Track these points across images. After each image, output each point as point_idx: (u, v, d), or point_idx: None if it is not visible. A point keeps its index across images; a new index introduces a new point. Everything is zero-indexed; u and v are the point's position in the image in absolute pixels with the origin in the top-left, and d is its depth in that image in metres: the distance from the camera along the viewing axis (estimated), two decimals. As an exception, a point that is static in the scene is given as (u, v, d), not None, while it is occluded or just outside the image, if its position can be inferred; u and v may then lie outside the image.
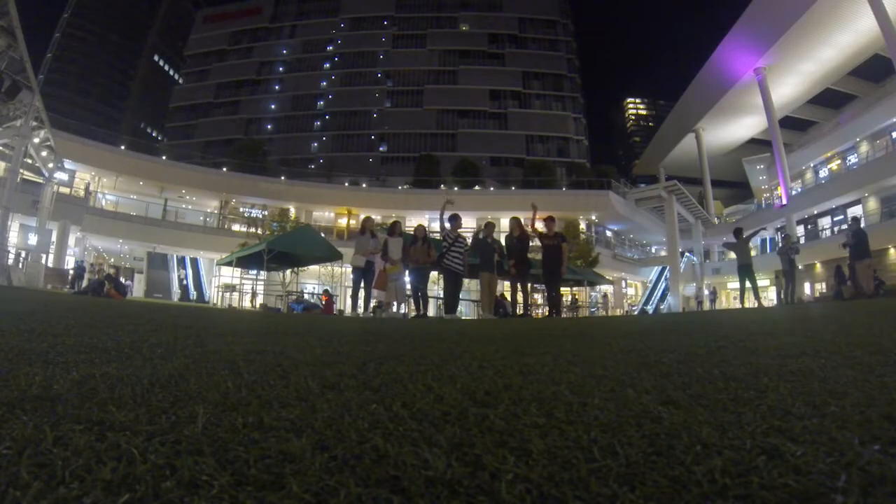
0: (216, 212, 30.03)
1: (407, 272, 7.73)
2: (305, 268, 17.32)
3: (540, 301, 16.68)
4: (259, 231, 24.47)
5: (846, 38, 25.65)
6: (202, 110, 56.28)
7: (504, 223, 8.20)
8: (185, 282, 27.32)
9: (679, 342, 1.88)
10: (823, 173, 31.04)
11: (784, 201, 28.87)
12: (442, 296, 8.51)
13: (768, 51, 27.60)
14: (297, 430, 0.61)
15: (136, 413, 0.66)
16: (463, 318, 9.63)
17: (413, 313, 7.62)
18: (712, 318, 4.99)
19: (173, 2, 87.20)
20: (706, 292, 27.15)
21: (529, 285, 8.31)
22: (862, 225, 10.22)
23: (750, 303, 10.12)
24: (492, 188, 34.95)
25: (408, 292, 8.32)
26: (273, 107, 55.81)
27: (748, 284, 9.32)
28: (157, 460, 0.48)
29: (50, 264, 16.74)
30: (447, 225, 7.43)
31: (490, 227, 7.74)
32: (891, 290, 12.47)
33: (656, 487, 0.43)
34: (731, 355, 1.36)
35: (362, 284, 7.44)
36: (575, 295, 21.90)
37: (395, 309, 7.71)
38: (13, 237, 16.81)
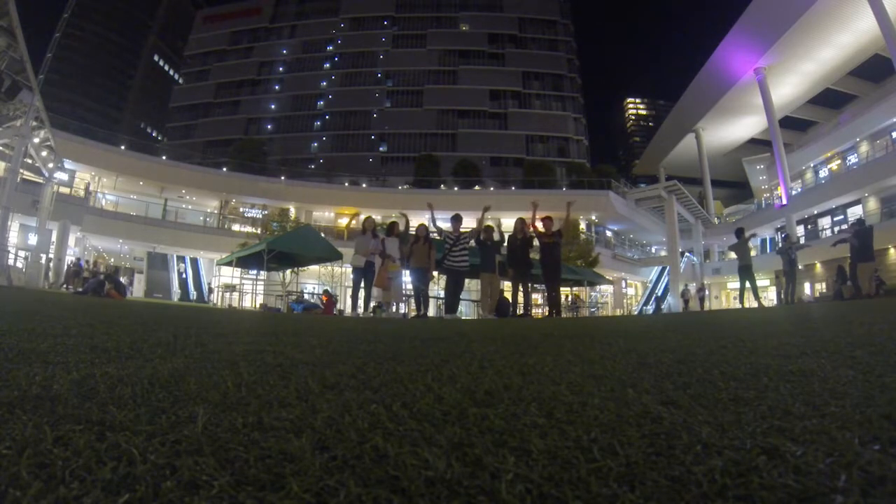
0: (216, 212, 30.05)
1: (407, 272, 7.72)
2: (305, 268, 17.32)
3: (540, 301, 16.66)
4: (259, 231, 24.48)
5: (846, 38, 25.65)
6: (202, 110, 56.29)
7: (505, 223, 8.20)
8: (184, 275, 27.37)
9: (679, 342, 1.88)
10: (823, 173, 31.03)
11: (784, 201, 28.87)
12: (442, 296, 8.49)
13: (768, 51, 27.60)
14: (297, 430, 0.61)
15: (136, 413, 0.66)
16: (463, 318, 9.62)
17: (413, 313, 7.62)
18: (712, 318, 4.99)
19: (173, 2, 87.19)
20: (693, 290, 24.97)
21: (530, 285, 8.30)
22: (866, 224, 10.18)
23: (750, 303, 10.13)
24: (492, 188, 34.95)
25: (408, 292, 8.29)
26: (273, 107, 55.81)
27: (748, 285, 9.33)
28: (157, 460, 0.48)
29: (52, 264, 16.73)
30: (445, 226, 7.44)
31: (489, 230, 7.71)
32: (891, 290, 12.48)
33: (656, 487, 0.43)
34: (731, 355, 1.36)
35: (362, 284, 7.44)
36: (575, 295, 21.83)
37: (394, 309, 7.70)
38: (13, 237, 16.81)
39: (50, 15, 79.04)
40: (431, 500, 0.42)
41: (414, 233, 7.66)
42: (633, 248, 37.95)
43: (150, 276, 26.53)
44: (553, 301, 7.52)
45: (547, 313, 7.53)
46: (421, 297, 7.45)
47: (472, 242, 7.56)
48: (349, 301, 7.90)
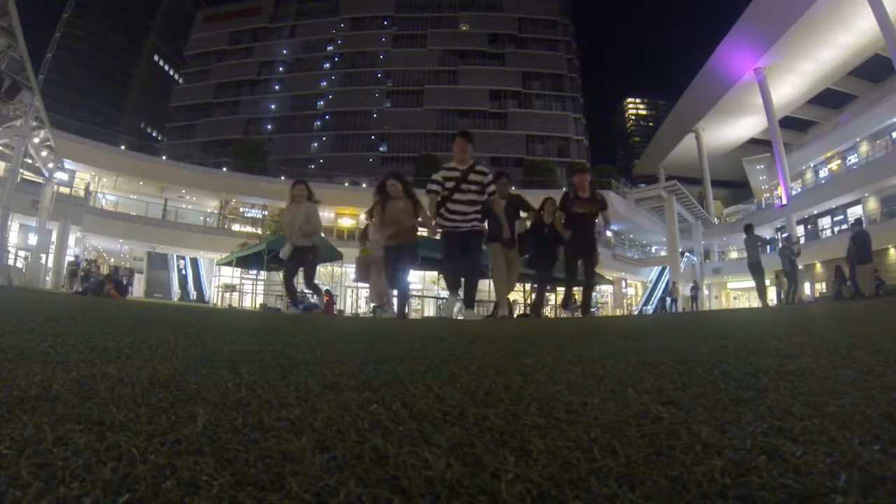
0: (216, 212, 30.05)
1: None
2: (305, 268, 17.30)
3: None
4: (259, 231, 24.51)
5: (846, 38, 25.65)
6: (202, 110, 56.35)
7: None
8: (183, 272, 27.41)
9: (679, 342, 1.88)
10: (823, 173, 31.04)
11: (784, 201, 28.88)
12: (443, 296, 7.49)
13: (768, 51, 27.60)
14: (297, 430, 0.61)
15: (136, 413, 0.66)
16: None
17: (413, 314, 7.32)
18: (712, 318, 4.98)
19: (173, 2, 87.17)
20: (686, 289, 23.74)
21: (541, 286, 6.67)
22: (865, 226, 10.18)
23: (758, 301, 10.04)
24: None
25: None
26: (273, 107, 55.88)
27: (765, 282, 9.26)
28: (157, 460, 0.48)
29: (50, 264, 16.71)
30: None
31: (502, 177, 5.30)
32: (891, 290, 12.48)
33: (656, 487, 0.43)
34: (731, 355, 1.35)
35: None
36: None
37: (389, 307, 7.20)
38: (13, 237, 16.81)
39: (50, 15, 79.05)
40: (431, 500, 0.42)
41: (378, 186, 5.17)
42: (633, 248, 37.95)
43: (150, 276, 26.54)
44: (585, 298, 6.11)
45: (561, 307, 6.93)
46: (397, 286, 5.27)
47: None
48: (348, 301, 7.73)
